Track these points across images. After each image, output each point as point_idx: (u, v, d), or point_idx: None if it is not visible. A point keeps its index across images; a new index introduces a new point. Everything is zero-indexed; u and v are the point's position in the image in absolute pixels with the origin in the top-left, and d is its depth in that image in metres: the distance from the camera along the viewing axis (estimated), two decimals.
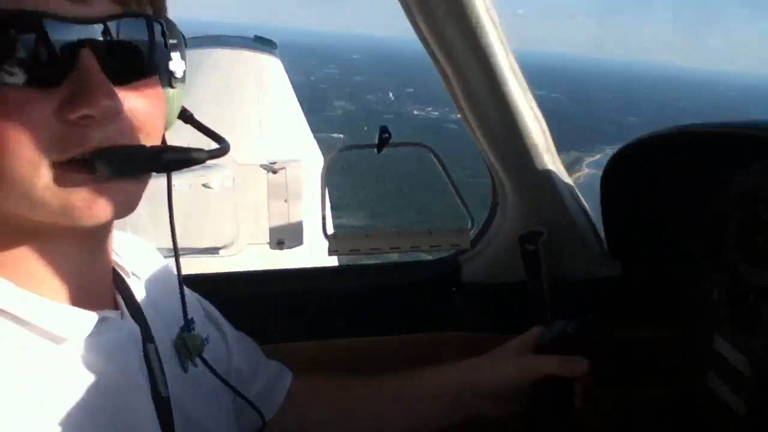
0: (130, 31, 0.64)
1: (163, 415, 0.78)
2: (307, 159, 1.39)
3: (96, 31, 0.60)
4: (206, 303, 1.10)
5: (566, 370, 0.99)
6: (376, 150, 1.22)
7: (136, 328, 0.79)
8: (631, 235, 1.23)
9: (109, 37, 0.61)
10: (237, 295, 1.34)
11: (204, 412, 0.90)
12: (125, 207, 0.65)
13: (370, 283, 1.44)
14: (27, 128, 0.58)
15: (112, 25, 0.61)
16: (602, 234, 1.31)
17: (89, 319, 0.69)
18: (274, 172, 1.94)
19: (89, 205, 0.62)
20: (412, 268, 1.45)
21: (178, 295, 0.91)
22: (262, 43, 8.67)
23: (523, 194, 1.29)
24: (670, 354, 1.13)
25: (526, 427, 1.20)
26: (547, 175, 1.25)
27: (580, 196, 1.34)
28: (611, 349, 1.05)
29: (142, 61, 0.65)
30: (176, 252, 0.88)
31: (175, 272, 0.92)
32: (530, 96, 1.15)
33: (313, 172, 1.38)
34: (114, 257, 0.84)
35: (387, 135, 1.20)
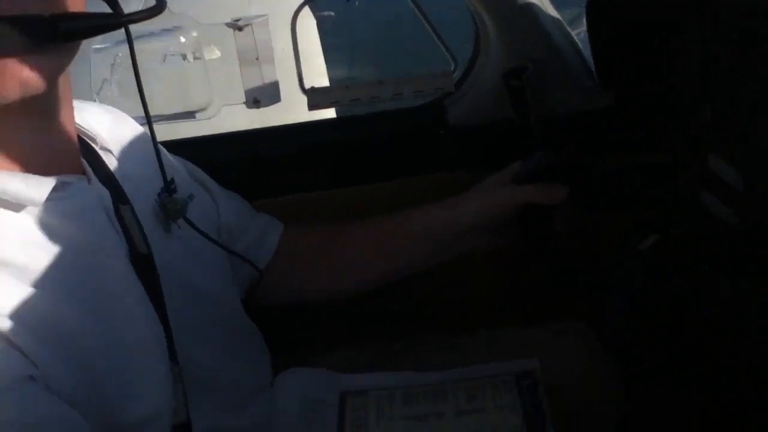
0: None
1: (145, 272, 0.77)
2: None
3: None
4: (189, 164, 1.08)
5: (543, 197, 1.00)
6: None
7: (106, 192, 0.77)
8: (620, 63, 1.19)
9: None
10: (219, 157, 1.32)
11: (195, 269, 0.89)
12: (36, 82, 0.61)
13: (355, 133, 1.40)
14: None
15: None
16: (593, 67, 1.26)
17: (46, 183, 0.68)
18: (240, 29, 1.84)
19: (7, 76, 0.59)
20: (397, 116, 1.41)
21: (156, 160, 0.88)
22: None
23: (507, 30, 1.23)
24: (661, 178, 1.13)
25: (517, 259, 1.23)
26: (531, 9, 1.19)
27: (568, 28, 1.28)
28: (595, 175, 1.05)
29: None
30: (147, 114, 0.83)
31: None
32: None
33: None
34: (81, 129, 0.82)
35: None
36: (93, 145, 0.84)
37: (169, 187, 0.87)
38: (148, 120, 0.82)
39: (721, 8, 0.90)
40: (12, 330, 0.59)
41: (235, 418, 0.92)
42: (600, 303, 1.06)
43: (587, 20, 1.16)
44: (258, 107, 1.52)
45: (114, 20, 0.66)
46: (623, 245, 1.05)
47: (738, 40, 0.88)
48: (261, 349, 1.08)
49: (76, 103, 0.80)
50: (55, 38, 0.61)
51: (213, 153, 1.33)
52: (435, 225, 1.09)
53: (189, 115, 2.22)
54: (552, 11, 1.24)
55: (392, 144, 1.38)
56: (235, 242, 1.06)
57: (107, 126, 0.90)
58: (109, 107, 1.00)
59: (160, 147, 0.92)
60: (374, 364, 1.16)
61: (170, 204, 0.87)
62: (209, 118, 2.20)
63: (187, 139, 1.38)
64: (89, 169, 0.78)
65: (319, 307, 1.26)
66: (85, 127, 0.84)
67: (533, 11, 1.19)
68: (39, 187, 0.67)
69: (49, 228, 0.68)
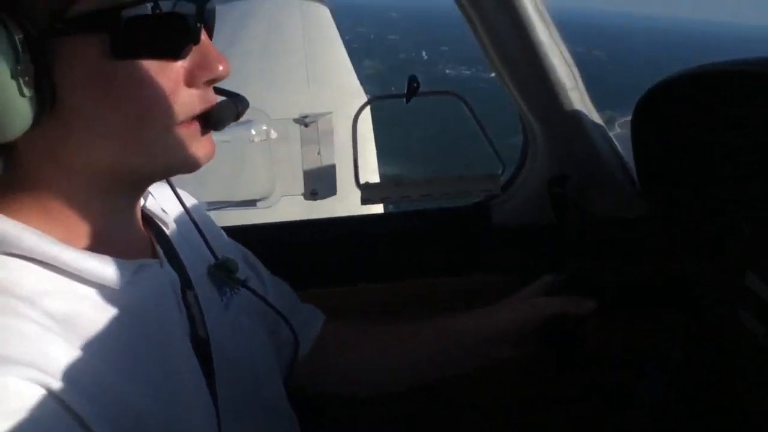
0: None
1: (203, 355, 0.81)
2: (354, 107, 1.40)
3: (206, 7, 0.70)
4: (244, 248, 1.13)
5: (570, 308, 1.02)
6: (405, 100, 1.23)
7: (176, 277, 0.81)
8: (662, 174, 1.22)
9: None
10: (272, 244, 1.37)
11: (246, 352, 0.92)
12: (213, 152, 0.75)
13: (401, 228, 1.46)
14: (162, 96, 0.67)
15: None
16: (634, 175, 1.30)
17: (129, 267, 0.73)
18: (306, 125, 1.98)
19: (201, 153, 0.73)
20: (443, 214, 1.47)
21: (212, 235, 0.94)
22: None
23: (553, 137, 1.29)
24: (695, 291, 1.13)
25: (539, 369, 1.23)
26: (576, 116, 1.24)
27: (611, 136, 1.32)
28: (622, 288, 1.07)
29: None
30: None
31: (206, 212, 0.95)
32: (557, 36, 1.14)
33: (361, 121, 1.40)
34: (151, 211, 0.88)
35: (416, 84, 1.21)
36: (164, 228, 0.89)
37: (214, 254, 0.92)
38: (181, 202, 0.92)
39: (761, 129, 0.94)
40: (74, 398, 0.61)
41: None
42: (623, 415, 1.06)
43: (632, 131, 1.20)
44: (315, 199, 1.62)
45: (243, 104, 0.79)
46: (648, 354, 1.06)
47: None
48: None
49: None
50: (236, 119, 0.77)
51: (266, 239, 1.38)
52: (467, 334, 1.10)
53: (251, 203, 2.37)
54: (597, 118, 1.29)
55: (436, 241, 1.43)
56: (279, 327, 1.08)
57: (164, 196, 0.95)
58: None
59: (219, 228, 0.99)
60: None
61: (225, 265, 0.91)
62: (270, 206, 2.33)
63: (244, 225, 1.46)
64: (161, 253, 0.83)
65: (349, 403, 1.28)
66: (155, 209, 0.90)
67: (580, 118, 1.24)
68: (121, 269, 0.72)
69: (127, 311, 0.72)
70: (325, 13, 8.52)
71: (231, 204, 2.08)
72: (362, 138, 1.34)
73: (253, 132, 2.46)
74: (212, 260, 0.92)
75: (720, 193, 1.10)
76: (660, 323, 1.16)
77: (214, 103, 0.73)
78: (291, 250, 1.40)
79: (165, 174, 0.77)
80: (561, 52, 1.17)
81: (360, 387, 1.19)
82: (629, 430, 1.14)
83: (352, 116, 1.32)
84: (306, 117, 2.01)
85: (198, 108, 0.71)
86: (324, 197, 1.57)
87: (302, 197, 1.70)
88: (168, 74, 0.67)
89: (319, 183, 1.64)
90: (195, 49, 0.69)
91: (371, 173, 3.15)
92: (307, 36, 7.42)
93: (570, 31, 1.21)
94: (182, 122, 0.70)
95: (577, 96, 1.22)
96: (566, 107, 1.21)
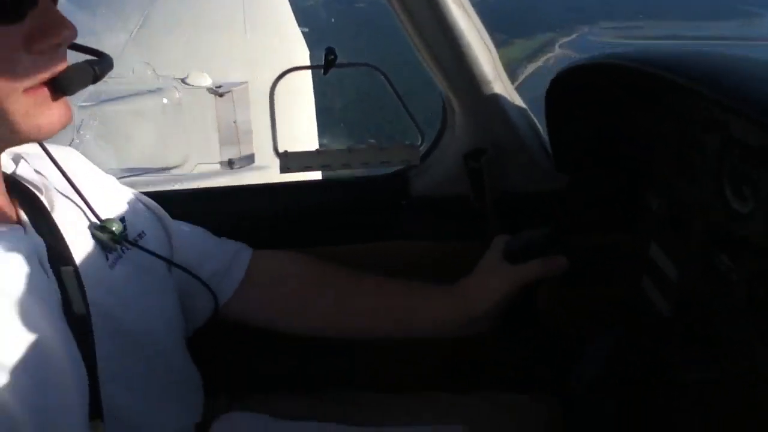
0: None
1: (79, 326, 0.79)
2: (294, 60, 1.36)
3: None
4: (150, 201, 1.10)
5: (551, 270, 1.06)
6: (322, 71, 1.22)
7: (41, 242, 0.79)
8: (575, 152, 1.28)
9: None
10: (190, 212, 1.35)
11: (133, 311, 0.91)
12: (67, 118, 0.72)
13: (321, 198, 1.47)
14: None
15: None
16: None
17: None
18: (221, 95, 1.92)
19: (51, 120, 0.71)
20: (363, 183, 1.49)
21: (111, 197, 0.94)
22: None
23: (472, 114, 1.33)
24: (614, 259, 1.21)
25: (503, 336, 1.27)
26: (496, 100, 1.27)
27: (531, 115, 1.37)
28: (570, 253, 1.13)
29: None
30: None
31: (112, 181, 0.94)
32: (477, 21, 1.17)
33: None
34: (20, 170, 0.86)
35: (333, 57, 1.20)
36: (38, 194, 0.86)
37: (97, 216, 0.90)
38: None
39: (670, 112, 1.00)
40: None
41: None
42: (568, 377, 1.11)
43: (545, 113, 1.24)
44: (231, 168, 1.58)
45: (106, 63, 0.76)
46: (595, 322, 1.12)
47: (683, 143, 0.97)
48: (196, 391, 1.08)
49: (30, 147, 0.86)
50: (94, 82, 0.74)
51: (183, 207, 1.36)
52: (446, 318, 1.13)
53: (164, 170, 2.29)
54: (518, 101, 1.33)
55: (356, 210, 1.45)
56: (197, 271, 1.07)
57: (65, 164, 0.92)
58: (66, 149, 1.03)
59: (127, 190, 0.97)
60: (315, 413, 1.18)
61: (99, 231, 0.89)
62: (184, 174, 2.26)
63: (160, 191, 1.42)
64: (25, 219, 0.80)
65: (266, 350, 1.29)
66: (27, 174, 0.87)
67: (500, 103, 1.28)
68: None
69: None
70: None
71: (147, 171, 2.01)
72: (299, 107, 1.32)
73: (165, 101, 2.37)
74: (97, 222, 0.91)
75: (630, 168, 1.16)
76: (607, 296, 1.23)
77: (63, 68, 0.71)
78: (207, 218, 1.38)
79: (14, 142, 0.74)
80: (485, 42, 1.19)
81: (295, 323, 1.19)
82: (567, 402, 1.20)
83: (292, 66, 1.29)
84: (220, 86, 1.95)
85: (44, 74, 0.69)
86: (241, 166, 1.54)
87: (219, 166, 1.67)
88: (4, 40, 0.65)
89: (236, 152, 1.61)
90: (35, 13, 0.66)
91: (311, 140, 3.05)
92: None
93: None
94: (28, 89, 0.68)
95: (500, 86, 1.25)
96: (486, 93, 1.24)
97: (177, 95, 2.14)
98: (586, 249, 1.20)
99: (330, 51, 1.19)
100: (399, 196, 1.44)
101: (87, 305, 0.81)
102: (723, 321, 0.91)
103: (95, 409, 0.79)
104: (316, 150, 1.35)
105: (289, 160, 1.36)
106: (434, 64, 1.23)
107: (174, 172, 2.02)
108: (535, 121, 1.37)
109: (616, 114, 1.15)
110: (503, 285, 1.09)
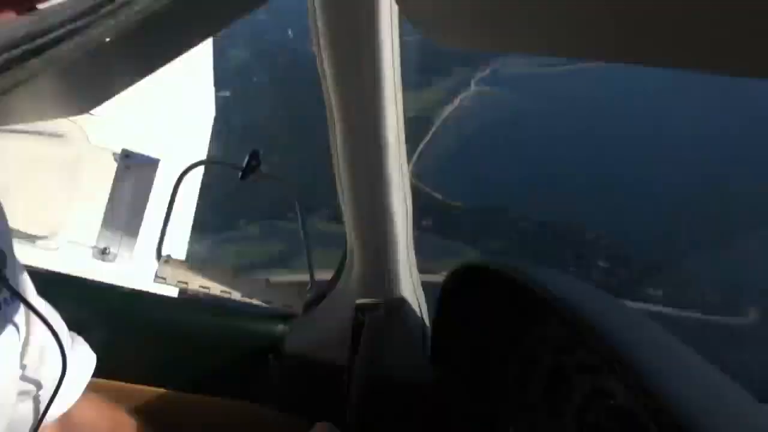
0: None
1: None
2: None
3: None
4: None
5: None
6: (239, 174, 1.14)
7: None
8: (450, 357, 1.24)
9: None
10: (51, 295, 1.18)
11: None
12: None
13: (188, 323, 1.32)
14: None
15: None
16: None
17: None
18: (128, 167, 1.74)
19: None
20: (237, 322, 1.35)
21: None
22: None
23: (369, 272, 1.25)
24: None
25: None
26: (395, 252, 1.20)
27: (422, 295, 1.32)
28: None
29: None
30: None
31: None
32: (406, 180, 1.13)
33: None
34: None
35: (255, 163, 1.13)
36: None
37: None
38: None
39: (533, 347, 0.99)
40: None
41: None
42: None
43: (436, 308, 1.21)
44: (104, 259, 1.41)
45: None
46: None
47: (552, 373, 0.95)
48: None
49: None
50: None
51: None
52: None
53: (31, 238, 2.02)
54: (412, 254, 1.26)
55: (225, 353, 1.32)
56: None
57: None
58: None
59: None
60: None
61: None
62: (50, 249, 2.02)
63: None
64: None
65: None
66: None
67: (396, 256, 1.20)
68: None
69: None
70: None
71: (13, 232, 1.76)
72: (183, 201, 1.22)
73: (67, 150, 2.11)
74: None
75: (493, 395, 1.13)
76: None
77: None
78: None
79: None
80: (405, 196, 1.15)
81: None
82: None
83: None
84: (128, 157, 1.79)
85: None
86: (113, 260, 1.38)
87: (90, 251, 1.49)
88: None
89: (115, 242, 1.46)
90: None
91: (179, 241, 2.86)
92: None
93: None
94: None
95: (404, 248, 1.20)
96: (391, 255, 1.19)
97: (80, 148, 1.87)
98: None
99: (253, 156, 1.12)
100: (271, 350, 1.32)
101: None
102: None
103: None
104: (200, 266, 1.25)
105: (166, 269, 1.25)
106: (350, 207, 1.16)
107: (38, 243, 1.77)
108: (424, 300, 1.33)
109: (499, 325, 1.13)
110: None
